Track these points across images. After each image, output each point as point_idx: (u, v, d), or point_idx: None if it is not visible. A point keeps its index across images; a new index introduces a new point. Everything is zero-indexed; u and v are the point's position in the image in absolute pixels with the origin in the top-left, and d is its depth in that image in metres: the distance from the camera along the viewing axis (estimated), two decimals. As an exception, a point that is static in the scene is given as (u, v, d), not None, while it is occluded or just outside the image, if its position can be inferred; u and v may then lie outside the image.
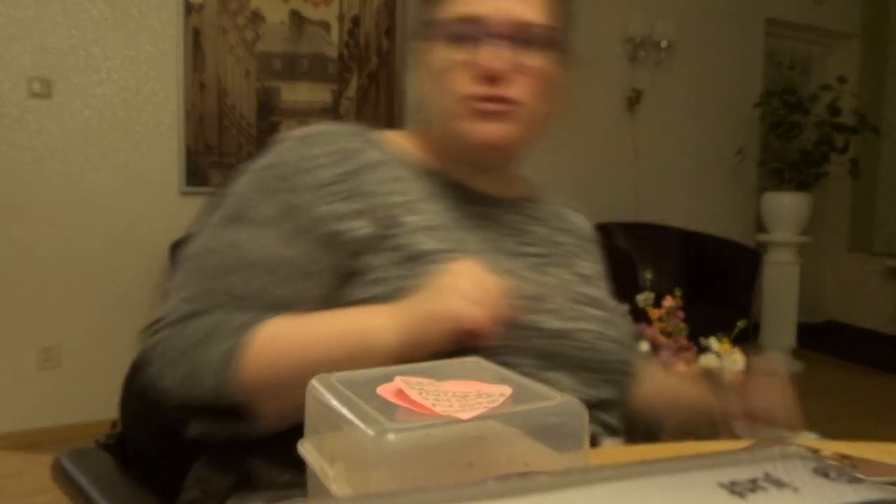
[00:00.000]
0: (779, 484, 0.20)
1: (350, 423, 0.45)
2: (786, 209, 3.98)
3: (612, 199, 3.92)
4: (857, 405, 3.43)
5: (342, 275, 0.71)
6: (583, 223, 0.95)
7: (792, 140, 4.01)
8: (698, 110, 4.26)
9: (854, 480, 0.21)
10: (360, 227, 0.71)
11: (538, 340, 0.71)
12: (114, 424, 0.90)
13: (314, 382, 0.53)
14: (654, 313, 1.68)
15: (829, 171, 4.09)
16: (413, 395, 0.49)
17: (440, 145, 0.81)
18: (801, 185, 4.02)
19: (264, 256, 0.70)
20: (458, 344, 0.63)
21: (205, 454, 0.78)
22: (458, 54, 0.74)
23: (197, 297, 0.69)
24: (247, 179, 0.75)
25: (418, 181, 0.77)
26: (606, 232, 3.58)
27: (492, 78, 0.73)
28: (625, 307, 1.27)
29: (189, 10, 2.85)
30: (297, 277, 0.70)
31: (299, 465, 0.67)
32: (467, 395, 0.50)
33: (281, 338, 0.65)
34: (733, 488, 0.20)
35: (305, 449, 0.53)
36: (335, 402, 0.48)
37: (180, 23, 2.85)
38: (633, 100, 4.00)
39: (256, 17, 2.99)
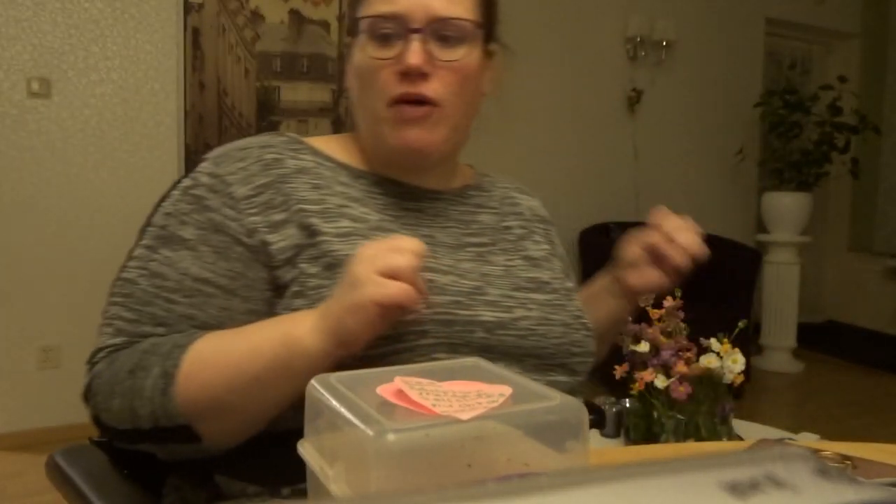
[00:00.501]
0: (779, 484, 0.20)
1: (350, 423, 0.45)
2: (786, 209, 3.98)
3: (612, 199, 3.92)
4: (857, 405, 3.43)
5: (276, 286, 0.71)
6: (534, 205, 0.95)
7: (792, 140, 4.01)
8: (698, 110, 4.26)
9: (854, 481, 0.21)
10: (284, 238, 0.71)
11: (477, 334, 0.71)
12: None
13: (314, 382, 0.53)
14: (654, 313, 1.68)
15: (829, 171, 4.09)
16: (413, 395, 0.49)
17: (371, 145, 0.81)
18: (802, 185, 4.02)
19: (183, 281, 0.70)
20: (389, 325, 0.64)
21: (175, 469, 0.79)
22: (380, 52, 0.74)
23: (124, 328, 0.71)
24: (166, 205, 0.75)
25: (349, 184, 0.77)
26: (606, 232, 3.58)
27: (413, 75, 0.73)
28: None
29: (188, 9, 2.85)
30: (218, 297, 0.71)
31: (263, 479, 0.69)
32: (467, 395, 0.50)
33: (210, 357, 0.66)
34: (733, 489, 0.20)
35: (305, 449, 0.53)
36: (335, 402, 0.48)
37: (180, 22, 2.85)
38: (633, 99, 4.00)
39: (256, 17, 2.99)
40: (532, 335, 0.75)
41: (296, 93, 3.09)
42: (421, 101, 0.74)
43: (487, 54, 0.81)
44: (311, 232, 0.71)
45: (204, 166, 0.76)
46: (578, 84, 3.85)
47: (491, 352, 0.72)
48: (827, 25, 4.74)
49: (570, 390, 0.79)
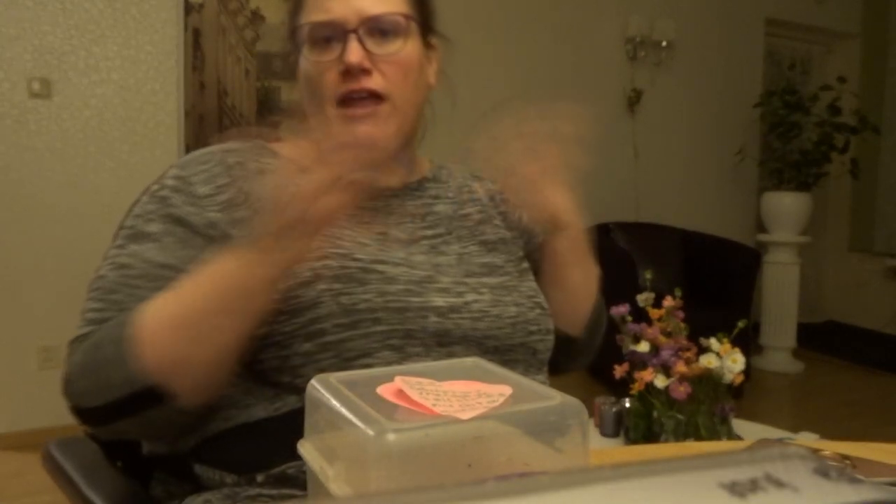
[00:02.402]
0: (779, 484, 0.20)
1: (350, 423, 0.45)
2: (786, 209, 3.98)
3: (612, 199, 3.92)
4: (857, 405, 3.43)
5: None
6: (490, 187, 0.97)
7: (792, 140, 4.01)
8: (698, 110, 4.26)
9: (854, 480, 0.21)
10: (242, 234, 0.74)
11: (431, 319, 0.74)
12: None
13: (314, 382, 0.53)
14: (655, 313, 1.68)
15: (829, 171, 4.09)
16: (413, 395, 0.49)
17: None
18: (802, 185, 4.02)
19: (147, 269, 0.74)
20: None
21: (159, 464, 0.82)
22: (321, 56, 0.79)
23: (93, 318, 0.75)
24: (136, 209, 0.80)
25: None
26: (606, 232, 3.58)
27: (355, 72, 0.77)
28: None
29: (189, 9, 2.85)
30: (178, 280, 0.74)
31: (238, 467, 0.71)
32: (467, 395, 0.50)
33: (162, 310, 0.68)
34: (733, 488, 0.20)
35: (305, 449, 0.53)
36: (335, 402, 0.48)
37: (180, 22, 2.85)
38: (633, 100, 4.00)
39: (256, 17, 2.99)
40: (486, 317, 0.78)
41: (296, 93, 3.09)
42: (366, 96, 0.78)
43: (428, 47, 0.86)
44: None
45: (171, 171, 0.81)
46: (578, 84, 3.85)
47: (448, 336, 0.75)
48: (827, 25, 4.74)
49: (536, 368, 0.82)
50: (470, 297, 0.78)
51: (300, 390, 0.70)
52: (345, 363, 0.70)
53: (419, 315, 0.74)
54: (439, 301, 0.76)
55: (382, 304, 0.72)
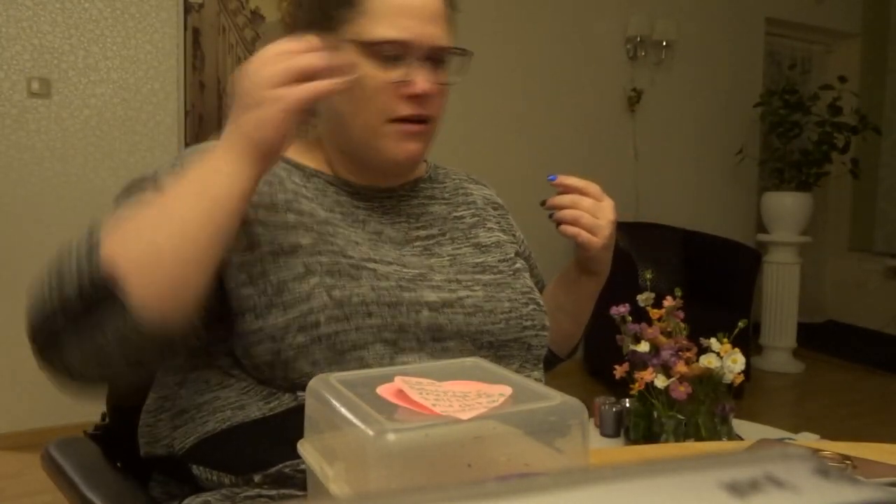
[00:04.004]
0: (779, 484, 0.20)
1: (350, 423, 0.45)
2: (786, 209, 3.98)
3: (613, 199, 3.91)
4: (857, 405, 3.43)
5: (223, 266, 0.73)
6: (487, 192, 1.00)
7: (792, 140, 4.01)
8: (698, 110, 4.26)
9: (854, 480, 0.21)
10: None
11: (424, 313, 0.75)
12: (104, 416, 0.95)
13: (314, 383, 0.53)
14: (655, 313, 1.68)
15: (829, 171, 4.09)
16: (413, 395, 0.49)
17: (341, 152, 0.85)
18: (802, 185, 4.02)
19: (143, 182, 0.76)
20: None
21: (158, 465, 0.82)
22: (385, 73, 0.78)
23: None
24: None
25: (302, 184, 0.82)
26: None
27: (422, 99, 0.79)
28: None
29: (188, 9, 2.85)
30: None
31: (236, 468, 0.72)
32: (467, 395, 0.50)
33: (134, 210, 0.67)
34: (733, 488, 0.20)
35: (305, 449, 0.53)
36: (335, 402, 0.48)
37: (180, 22, 2.85)
38: (633, 100, 4.00)
39: (256, 17, 2.99)
40: (479, 312, 0.79)
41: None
42: (423, 119, 0.80)
43: None
44: (258, 223, 0.75)
45: (168, 161, 0.82)
46: (578, 84, 3.85)
47: (441, 332, 0.75)
48: (827, 25, 4.74)
49: (532, 364, 0.83)
50: (463, 293, 0.79)
51: (293, 386, 0.70)
52: (337, 356, 0.70)
53: (412, 309, 0.74)
54: (432, 296, 0.76)
55: (375, 298, 0.73)
